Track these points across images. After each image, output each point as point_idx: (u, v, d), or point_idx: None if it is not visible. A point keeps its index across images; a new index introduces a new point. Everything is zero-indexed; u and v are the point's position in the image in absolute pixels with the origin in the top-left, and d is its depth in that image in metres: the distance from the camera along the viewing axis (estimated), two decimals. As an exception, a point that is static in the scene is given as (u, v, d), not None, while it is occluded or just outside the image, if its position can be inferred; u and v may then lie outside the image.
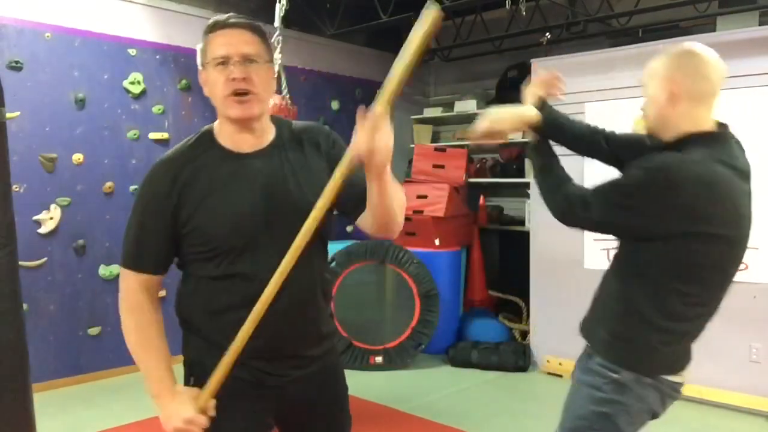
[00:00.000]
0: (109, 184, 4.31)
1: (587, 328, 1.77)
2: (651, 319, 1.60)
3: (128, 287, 1.49)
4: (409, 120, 6.29)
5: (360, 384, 3.89)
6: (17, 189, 3.82)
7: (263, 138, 1.50)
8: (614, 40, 4.89)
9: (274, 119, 1.57)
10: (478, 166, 5.80)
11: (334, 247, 4.45)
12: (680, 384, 1.68)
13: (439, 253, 4.88)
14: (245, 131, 1.47)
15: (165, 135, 4.55)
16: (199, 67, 1.49)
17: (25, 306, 2.50)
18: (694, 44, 1.65)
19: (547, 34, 4.94)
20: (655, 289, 1.60)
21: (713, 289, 1.63)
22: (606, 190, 1.63)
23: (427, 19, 1.25)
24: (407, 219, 4.78)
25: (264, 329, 1.38)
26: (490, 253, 5.59)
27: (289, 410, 1.57)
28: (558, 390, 4.12)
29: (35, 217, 4.00)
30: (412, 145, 5.82)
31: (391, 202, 1.39)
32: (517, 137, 5.41)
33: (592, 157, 1.92)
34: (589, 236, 4.04)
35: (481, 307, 5.27)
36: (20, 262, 2.23)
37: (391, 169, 1.34)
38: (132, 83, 4.40)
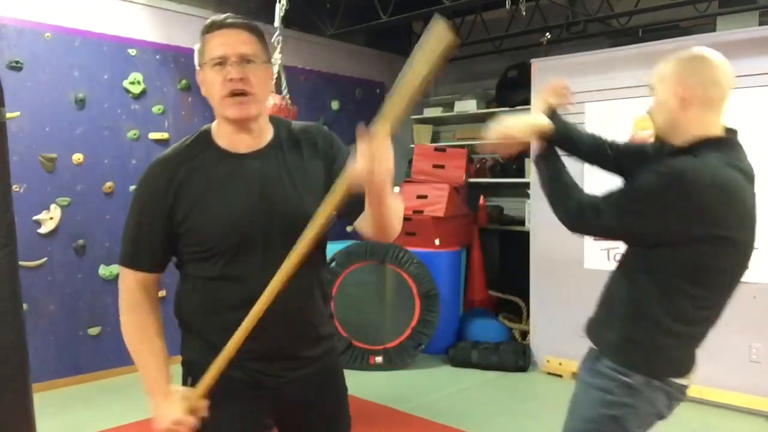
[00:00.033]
0: (109, 184, 4.31)
1: (594, 330, 1.77)
2: (661, 322, 1.61)
3: (126, 286, 1.50)
4: (409, 120, 6.29)
5: (360, 384, 3.89)
6: (17, 189, 3.82)
7: (261, 138, 1.50)
8: (614, 40, 4.89)
9: (274, 119, 1.56)
10: (478, 166, 5.80)
11: (334, 247, 4.46)
12: (687, 387, 1.69)
13: (439, 253, 4.88)
14: (243, 131, 1.47)
15: (165, 135, 4.55)
16: (197, 67, 1.49)
17: (25, 306, 2.50)
18: (704, 49, 1.65)
19: (547, 34, 4.94)
20: (665, 292, 1.60)
21: (720, 292, 1.64)
22: (619, 197, 1.63)
23: (436, 33, 1.13)
24: (407, 219, 4.79)
25: (261, 330, 1.37)
26: (490, 253, 5.59)
27: (287, 411, 1.56)
28: (558, 390, 4.16)
29: (35, 217, 4.00)
30: (412, 145, 5.82)
31: (390, 213, 1.39)
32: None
33: (598, 165, 1.92)
34: (589, 237, 4.04)
35: (481, 307, 5.27)
36: (20, 262, 2.23)
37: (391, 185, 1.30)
38: (132, 83, 4.40)
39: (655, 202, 1.55)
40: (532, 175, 1.68)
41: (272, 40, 3.52)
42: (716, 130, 1.63)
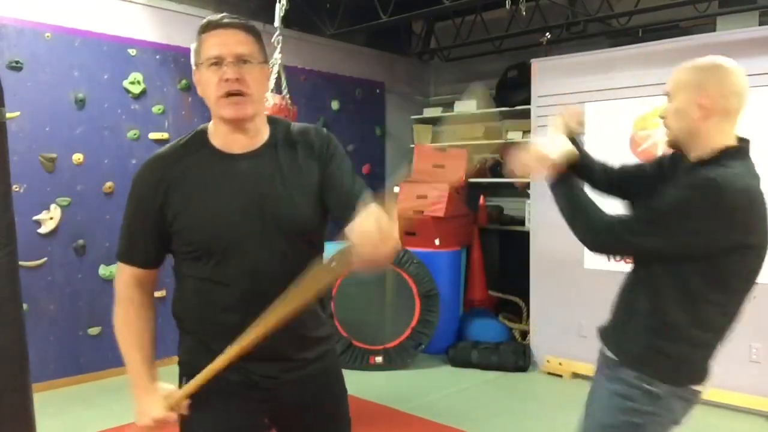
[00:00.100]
0: (109, 184, 4.31)
1: (613, 338, 1.76)
2: (687, 331, 1.61)
3: (121, 280, 1.51)
4: (409, 120, 6.29)
5: (360, 384, 3.89)
6: (17, 189, 3.82)
7: (256, 139, 1.49)
8: (614, 40, 4.89)
9: (272, 120, 1.56)
10: (478, 166, 5.80)
11: (334, 247, 4.45)
12: (701, 392, 1.70)
13: (439, 253, 4.88)
14: (238, 132, 1.47)
15: (165, 135, 4.55)
16: (193, 67, 1.49)
17: (25, 306, 2.50)
18: (722, 58, 1.65)
19: (547, 34, 4.94)
20: (691, 300, 1.60)
21: (741, 297, 1.65)
22: (650, 215, 1.61)
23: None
24: (407, 219, 4.78)
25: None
26: (490, 253, 5.58)
27: (284, 412, 1.56)
28: (558, 390, 4.17)
29: (35, 217, 4.00)
30: (412, 145, 5.82)
31: None
32: (517, 137, 5.44)
33: (606, 191, 1.91)
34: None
35: (481, 307, 5.27)
36: (20, 262, 2.23)
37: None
38: (132, 83, 4.40)
39: (691, 215, 1.54)
40: (558, 208, 1.68)
41: (272, 40, 3.52)
42: (732, 140, 1.64)
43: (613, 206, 1.76)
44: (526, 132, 5.08)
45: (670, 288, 1.62)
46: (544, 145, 1.79)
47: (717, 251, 1.55)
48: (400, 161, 6.17)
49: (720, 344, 1.68)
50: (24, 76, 3.92)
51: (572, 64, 4.32)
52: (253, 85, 1.42)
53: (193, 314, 1.50)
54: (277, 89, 3.56)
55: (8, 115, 2.75)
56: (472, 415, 3.72)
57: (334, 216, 1.49)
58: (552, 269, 4.45)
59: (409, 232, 4.85)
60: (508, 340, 4.91)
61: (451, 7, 4.54)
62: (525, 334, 4.90)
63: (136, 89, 4.41)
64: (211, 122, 1.52)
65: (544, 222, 4.35)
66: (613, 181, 1.90)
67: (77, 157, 4.17)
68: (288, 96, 3.55)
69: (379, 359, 4.51)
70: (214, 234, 1.42)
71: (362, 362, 4.49)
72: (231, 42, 1.41)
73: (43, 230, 4.03)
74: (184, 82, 4.63)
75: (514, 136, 5.45)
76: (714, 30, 4.28)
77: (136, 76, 4.41)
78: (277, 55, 3.52)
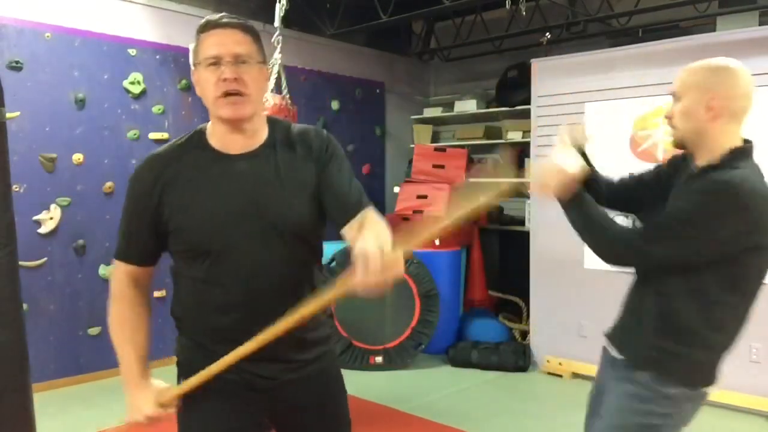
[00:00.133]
0: (109, 184, 4.31)
1: (624, 341, 1.76)
2: (701, 334, 1.62)
3: (116, 276, 1.52)
4: (409, 120, 6.29)
5: (360, 384, 3.90)
6: (17, 189, 3.82)
7: (254, 139, 1.49)
8: (614, 40, 4.89)
9: (271, 120, 1.55)
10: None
11: (334, 247, 4.45)
12: (708, 394, 1.70)
13: (439, 253, 4.87)
14: (236, 132, 1.46)
15: (165, 135, 4.55)
16: (191, 67, 1.49)
17: (25, 306, 2.50)
18: (729, 59, 1.64)
19: (547, 34, 4.94)
20: (705, 303, 1.60)
21: (752, 299, 1.65)
22: (666, 224, 1.60)
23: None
24: (407, 219, 4.79)
25: (253, 334, 1.36)
26: (490, 253, 5.59)
27: (283, 412, 1.56)
28: (558, 390, 4.17)
29: (35, 217, 4.00)
30: (412, 145, 5.82)
31: None
32: (517, 137, 5.45)
33: (612, 206, 1.90)
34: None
35: (481, 307, 5.27)
36: (20, 262, 2.23)
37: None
38: (132, 83, 4.40)
39: (708, 221, 1.53)
40: (572, 224, 1.67)
41: (272, 40, 3.52)
42: (739, 141, 1.64)
43: (619, 220, 1.76)
44: (526, 132, 5.08)
45: (683, 290, 1.62)
46: (560, 162, 1.76)
47: (737, 253, 1.55)
48: (400, 161, 6.18)
49: (732, 346, 1.68)
50: (24, 76, 3.92)
51: (572, 64, 4.32)
52: (251, 85, 1.42)
53: (189, 314, 1.51)
54: (277, 89, 3.56)
55: (8, 115, 2.76)
56: (472, 415, 3.72)
57: (330, 218, 1.49)
58: (552, 269, 4.45)
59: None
60: (508, 340, 4.91)
61: (451, 7, 4.54)
62: (525, 334, 4.90)
63: (136, 89, 4.41)
64: (209, 122, 1.52)
65: (544, 222, 4.35)
66: (618, 195, 1.90)
67: (77, 157, 4.17)
68: (288, 96, 3.55)
69: (379, 359, 4.51)
70: (210, 234, 1.42)
71: (362, 362, 4.49)
72: (229, 42, 1.41)
73: (43, 230, 4.03)
74: (184, 82, 4.63)
75: (514, 136, 5.46)
76: (714, 30, 4.27)
77: (136, 76, 4.41)
78: (277, 55, 3.51)
